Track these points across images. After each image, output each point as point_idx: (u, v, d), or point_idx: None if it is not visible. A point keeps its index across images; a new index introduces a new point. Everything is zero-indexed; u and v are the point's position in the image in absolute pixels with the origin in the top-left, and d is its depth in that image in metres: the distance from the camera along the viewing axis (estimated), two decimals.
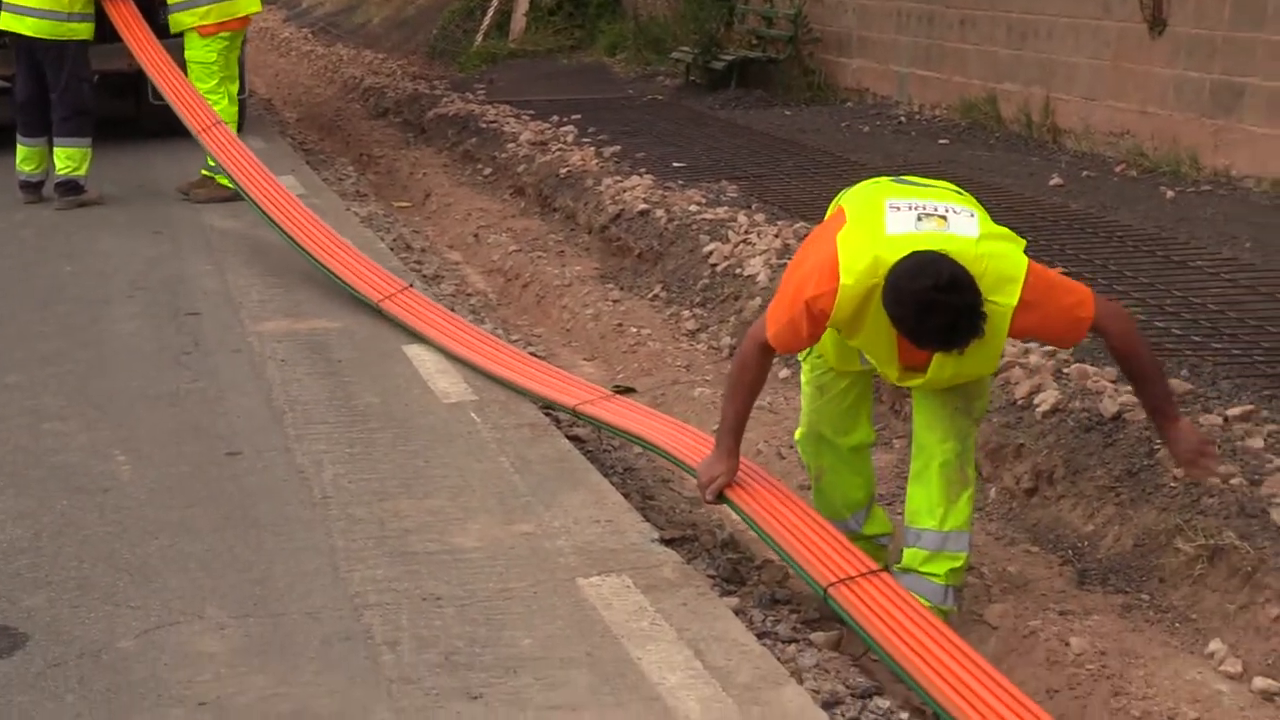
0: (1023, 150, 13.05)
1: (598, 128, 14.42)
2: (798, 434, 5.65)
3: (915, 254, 4.69)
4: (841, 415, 5.46)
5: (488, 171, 14.04)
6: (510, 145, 14.08)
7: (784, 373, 7.78)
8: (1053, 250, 9.00)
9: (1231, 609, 5.15)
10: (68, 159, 11.41)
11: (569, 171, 12.44)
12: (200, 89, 11.43)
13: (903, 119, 15.12)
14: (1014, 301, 4.73)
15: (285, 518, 5.72)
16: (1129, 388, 6.29)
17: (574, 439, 6.81)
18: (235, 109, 11.97)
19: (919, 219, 4.83)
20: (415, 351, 7.81)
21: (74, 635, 4.76)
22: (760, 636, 4.99)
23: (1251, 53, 11.09)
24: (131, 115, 14.24)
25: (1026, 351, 6.82)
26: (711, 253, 9.49)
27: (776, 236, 9.39)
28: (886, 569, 5.13)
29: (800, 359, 5.57)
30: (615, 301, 9.63)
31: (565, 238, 11.46)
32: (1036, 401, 6.44)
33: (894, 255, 4.72)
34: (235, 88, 12.08)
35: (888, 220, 4.85)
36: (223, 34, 11.63)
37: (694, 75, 17.87)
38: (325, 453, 6.40)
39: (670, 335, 8.90)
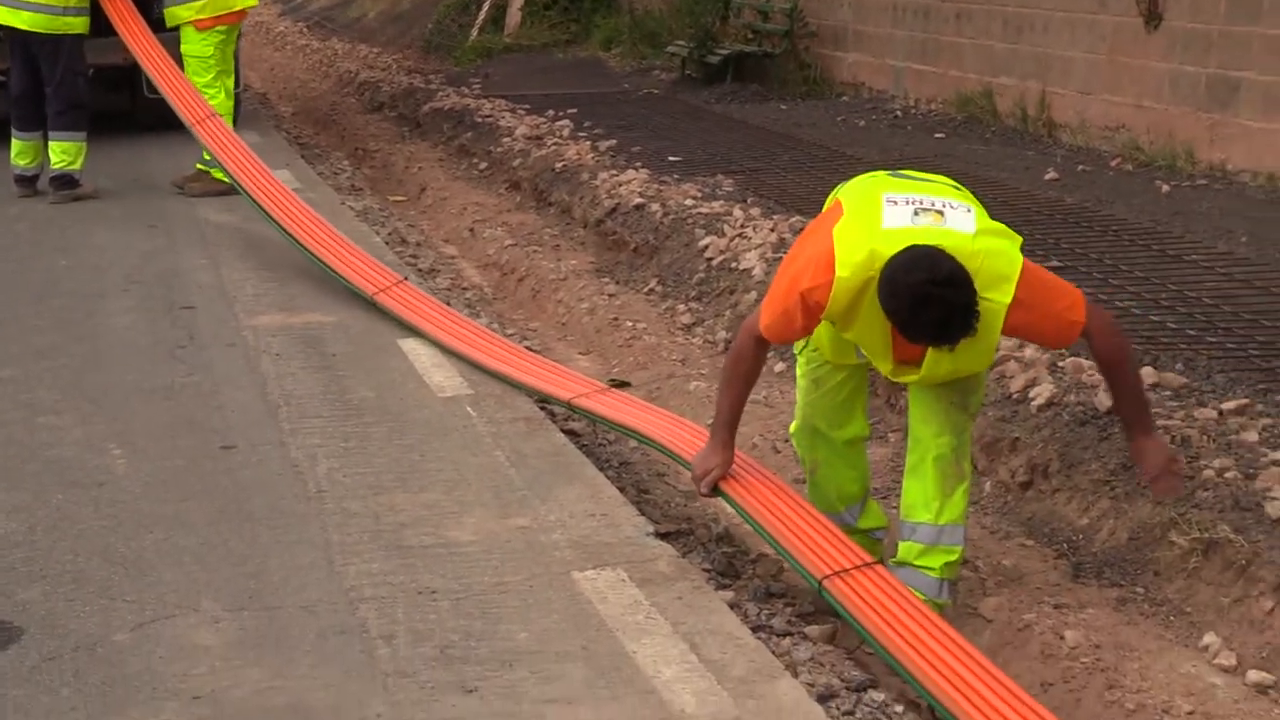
0: (1018, 144, 13.05)
1: (593, 122, 14.41)
2: (792, 427, 5.65)
3: (913, 247, 4.69)
4: (836, 409, 5.46)
5: (483, 165, 14.03)
6: (506, 139, 14.07)
7: (779, 366, 7.78)
8: (1048, 244, 9.00)
9: (1226, 602, 5.15)
10: (62, 153, 11.40)
11: (564, 166, 12.43)
12: (197, 83, 11.42)
13: (898, 113, 15.12)
14: (1008, 299, 4.73)
15: (280, 512, 5.73)
16: None
17: (569, 433, 6.81)
18: (231, 103, 11.97)
19: (916, 213, 4.83)
20: (410, 345, 7.81)
21: (69, 629, 4.76)
22: (755, 630, 5.00)
23: (1247, 47, 11.09)
24: (126, 109, 14.22)
25: (1022, 345, 6.82)
26: (707, 247, 9.49)
27: (772, 231, 9.39)
28: (881, 562, 5.14)
29: (796, 352, 5.57)
30: (611, 295, 9.63)
31: (561, 232, 11.46)
32: (1032, 395, 6.44)
33: (890, 249, 4.72)
34: (231, 82, 12.08)
35: (884, 214, 4.86)
36: (219, 28, 11.62)
37: (689, 69, 17.86)
38: (320, 447, 6.40)
39: (666, 329, 8.90)
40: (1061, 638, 5.14)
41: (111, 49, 12.08)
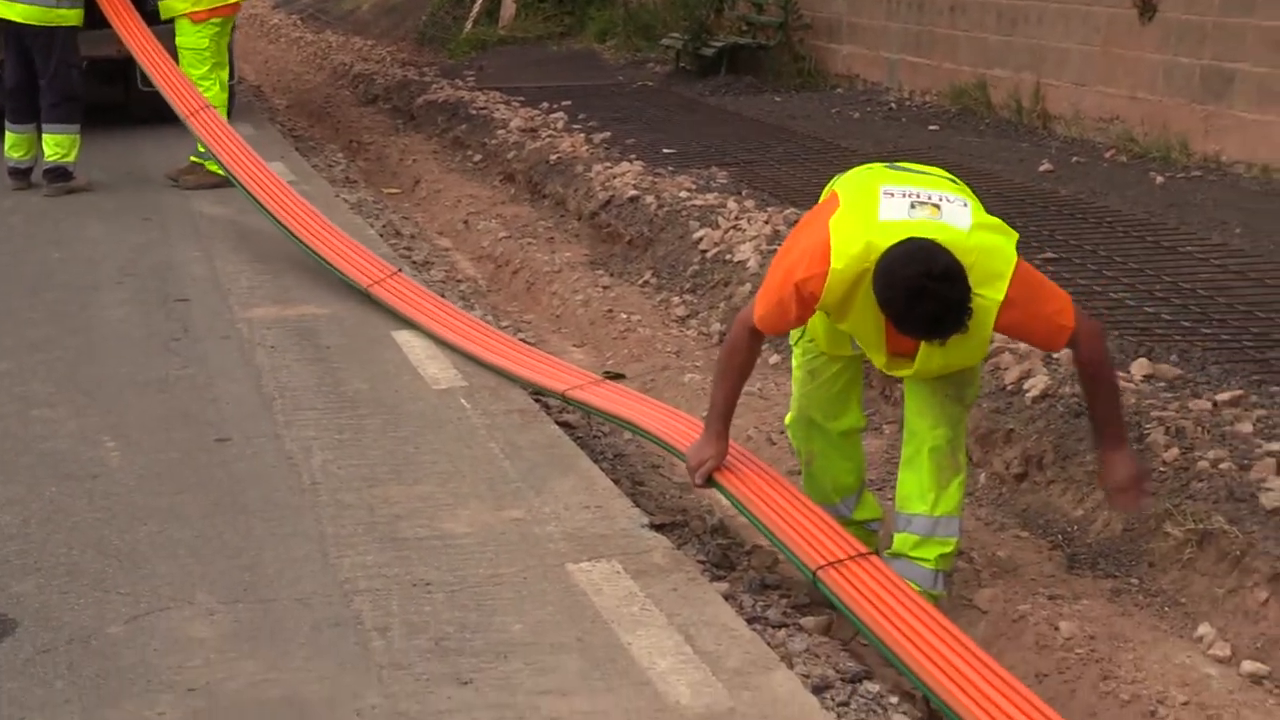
0: (1013, 136, 13.06)
1: (588, 114, 14.41)
2: (788, 418, 5.65)
3: (911, 239, 4.69)
4: (832, 400, 5.46)
5: (477, 158, 14.02)
6: (500, 132, 14.06)
7: (774, 359, 7.78)
8: (1042, 236, 9.00)
9: (1220, 593, 5.16)
10: (56, 145, 11.39)
11: (559, 158, 12.43)
12: (192, 75, 11.41)
13: (893, 105, 15.12)
14: (1000, 296, 4.74)
15: (274, 504, 5.72)
16: (1119, 372, 6.31)
17: (564, 425, 6.81)
18: (226, 95, 11.96)
19: (912, 206, 4.83)
20: (405, 338, 7.80)
21: (63, 621, 4.75)
22: (750, 621, 4.99)
23: (1241, 38, 11.09)
24: (120, 102, 14.19)
25: None
26: (701, 239, 9.48)
27: (766, 223, 9.39)
28: (876, 553, 5.14)
29: (792, 344, 5.57)
30: (605, 288, 9.62)
31: (555, 224, 11.45)
32: (1026, 387, 6.45)
33: (886, 242, 4.72)
34: (226, 74, 12.06)
35: (881, 206, 4.86)
36: (214, 20, 11.61)
37: (684, 62, 17.86)
38: (314, 439, 6.39)
39: (660, 321, 8.90)
40: (1056, 629, 5.14)
41: (105, 41, 12.06)
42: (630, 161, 11.77)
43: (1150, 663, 4.92)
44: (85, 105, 11.65)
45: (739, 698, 4.34)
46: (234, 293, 8.70)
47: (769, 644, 4.81)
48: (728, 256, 9.06)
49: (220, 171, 10.66)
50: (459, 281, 10.09)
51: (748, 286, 8.36)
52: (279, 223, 9.31)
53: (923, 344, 4.86)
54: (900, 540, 5.23)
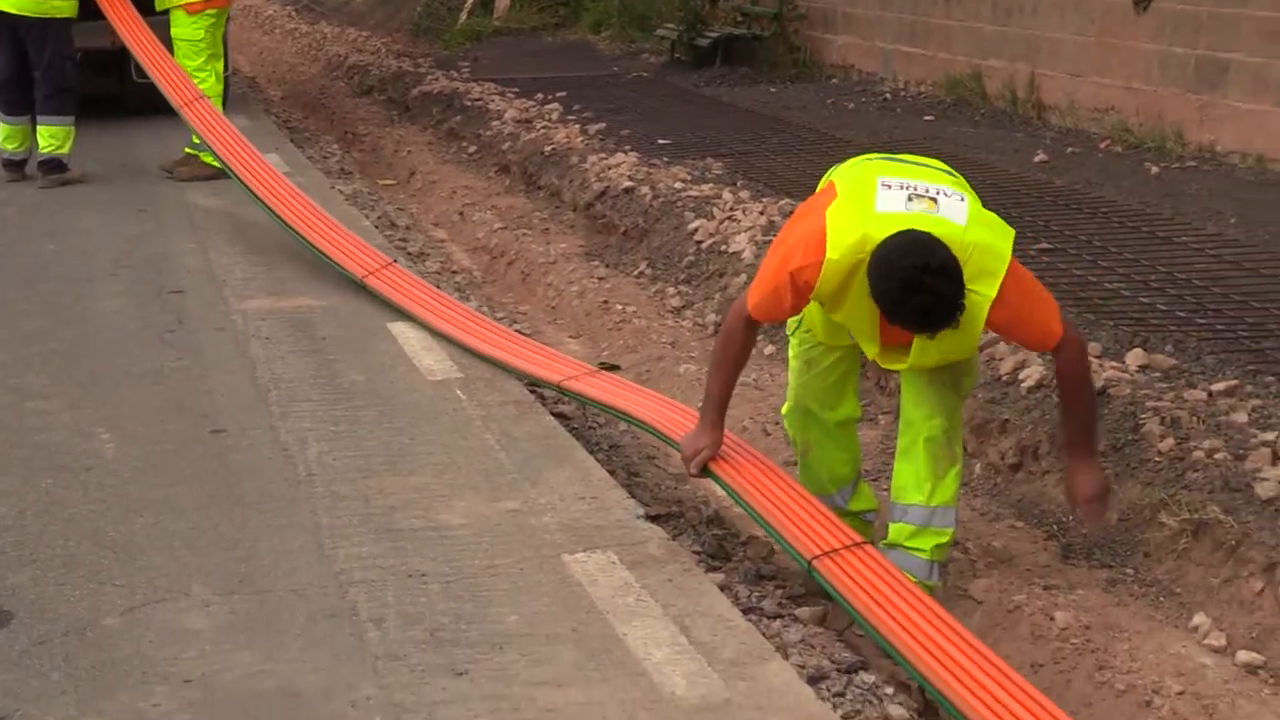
0: (1008, 126, 13.05)
1: (582, 105, 14.40)
2: (785, 408, 5.65)
3: (910, 232, 4.69)
4: (828, 390, 5.47)
5: (472, 149, 14.01)
6: (495, 123, 14.05)
7: (769, 349, 7.78)
8: (1037, 226, 9.00)
9: (1215, 583, 5.16)
10: (51, 137, 11.37)
11: (554, 149, 12.42)
12: (187, 67, 11.40)
13: (888, 95, 15.11)
14: (993, 294, 4.75)
15: (270, 495, 5.72)
16: (1114, 363, 6.34)
17: (559, 416, 6.81)
18: (221, 87, 11.95)
19: (909, 199, 4.84)
20: (400, 329, 7.80)
21: (59, 613, 4.75)
22: (746, 612, 4.99)
23: (1236, 28, 11.09)
24: (115, 93, 14.16)
25: None
26: (696, 230, 9.48)
27: (761, 213, 9.39)
28: (872, 543, 5.14)
29: (789, 334, 5.57)
30: (600, 279, 9.62)
31: (550, 215, 11.45)
32: (1021, 377, 6.44)
33: (882, 233, 4.73)
34: (221, 65, 12.05)
35: (878, 198, 4.86)
36: (209, 10, 11.59)
37: (679, 52, 17.84)
38: (310, 430, 6.39)
39: (655, 312, 8.90)
40: (1051, 619, 5.15)
41: (99, 33, 12.03)
42: (625, 152, 11.77)
43: (1145, 653, 4.92)
44: (80, 97, 11.62)
45: (734, 688, 4.34)
46: (229, 284, 8.70)
47: (764, 634, 4.82)
48: (723, 247, 9.06)
49: (215, 163, 10.65)
50: (454, 273, 10.09)
51: (743, 277, 8.36)
52: (274, 214, 9.30)
53: (916, 338, 4.86)
54: (896, 530, 5.24)
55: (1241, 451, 5.53)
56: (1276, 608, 4.94)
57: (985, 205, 5.12)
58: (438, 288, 8.52)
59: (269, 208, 9.36)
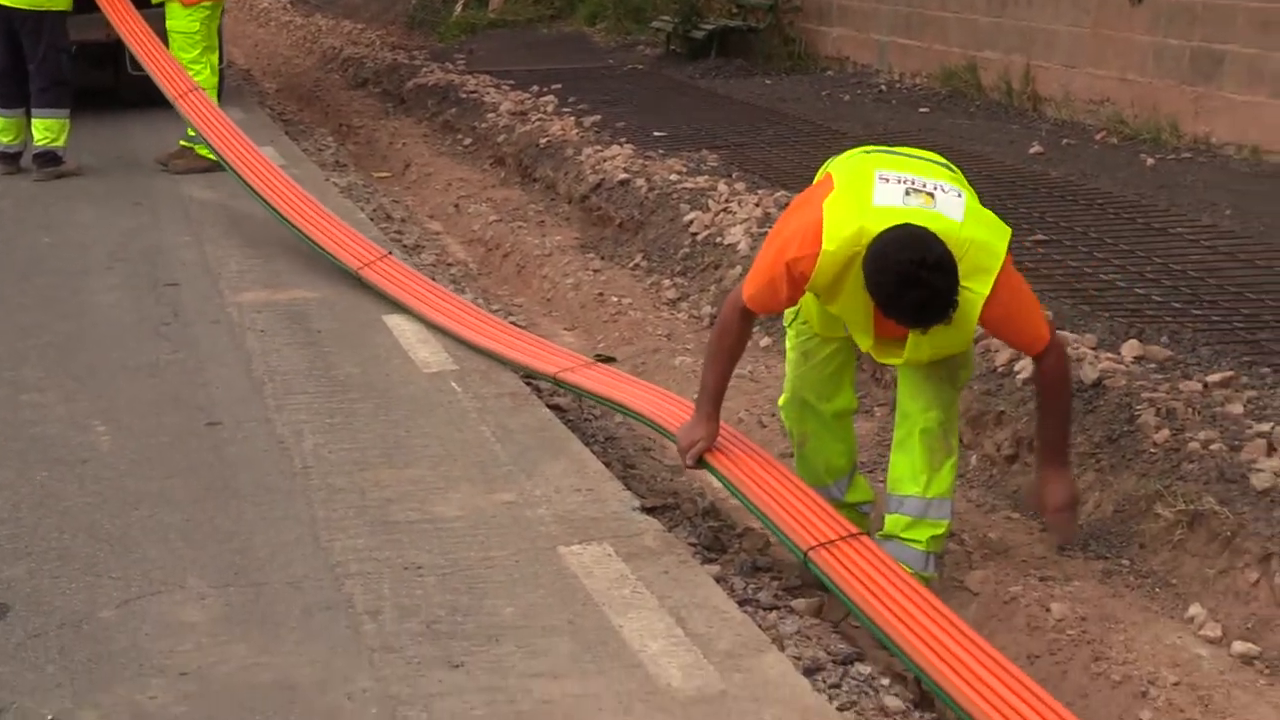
0: (1003, 118, 13.05)
1: (578, 97, 14.39)
2: (781, 400, 5.66)
3: (908, 226, 4.70)
4: (825, 381, 5.47)
5: (468, 141, 14.00)
6: (490, 115, 14.04)
7: (764, 341, 7.78)
8: (1033, 218, 9.01)
9: (1211, 574, 5.16)
10: (46, 130, 11.36)
11: (549, 141, 12.41)
12: (182, 59, 11.39)
13: (883, 87, 15.11)
14: (986, 291, 4.77)
15: (265, 488, 5.72)
16: (1110, 354, 6.34)
17: (555, 408, 6.81)
18: (216, 79, 11.94)
19: (907, 193, 4.84)
20: (395, 321, 7.80)
21: (55, 606, 4.75)
22: (741, 604, 5.00)
23: (1231, 20, 11.09)
24: (110, 86, 14.14)
25: None
26: (692, 222, 9.48)
27: (757, 205, 9.39)
28: (868, 534, 5.14)
29: (786, 325, 5.57)
30: (596, 271, 9.62)
31: (546, 207, 11.44)
32: (1017, 369, 6.44)
33: (879, 226, 4.74)
34: (216, 58, 12.04)
35: (876, 191, 4.86)
36: (204, 3, 11.59)
37: (674, 44, 17.84)
38: (305, 423, 6.39)
39: (651, 304, 8.90)
40: (1047, 610, 5.15)
41: (94, 25, 12.03)
42: (621, 145, 11.76)
43: (1141, 644, 4.92)
44: (75, 90, 11.61)
45: (730, 680, 4.34)
46: (224, 277, 8.69)
47: (760, 626, 4.82)
48: (718, 239, 9.06)
49: (211, 156, 10.64)
50: (450, 265, 10.08)
51: (738, 269, 8.36)
52: (269, 206, 9.29)
53: (910, 334, 4.87)
54: (892, 522, 5.24)
55: (1237, 443, 5.53)
56: (1272, 598, 4.95)
57: (981, 197, 5.12)
58: (433, 280, 8.51)
59: (264, 200, 9.35)
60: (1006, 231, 4.94)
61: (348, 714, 4.16)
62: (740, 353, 5.42)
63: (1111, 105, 12.21)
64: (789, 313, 5.44)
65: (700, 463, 5.51)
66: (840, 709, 4.45)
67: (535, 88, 14.96)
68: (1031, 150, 11.37)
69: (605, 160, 11.27)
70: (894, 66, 15.52)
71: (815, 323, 5.33)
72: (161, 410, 6.55)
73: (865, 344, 5.08)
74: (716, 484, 5.80)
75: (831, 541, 4.96)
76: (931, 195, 4.84)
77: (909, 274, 4.59)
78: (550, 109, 13.81)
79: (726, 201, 9.63)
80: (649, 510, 5.58)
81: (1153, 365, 6.33)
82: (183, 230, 9.89)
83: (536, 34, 20.55)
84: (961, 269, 4.67)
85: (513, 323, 8.11)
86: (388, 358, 7.27)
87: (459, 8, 22.27)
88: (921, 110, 13.69)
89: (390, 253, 8.68)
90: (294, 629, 4.63)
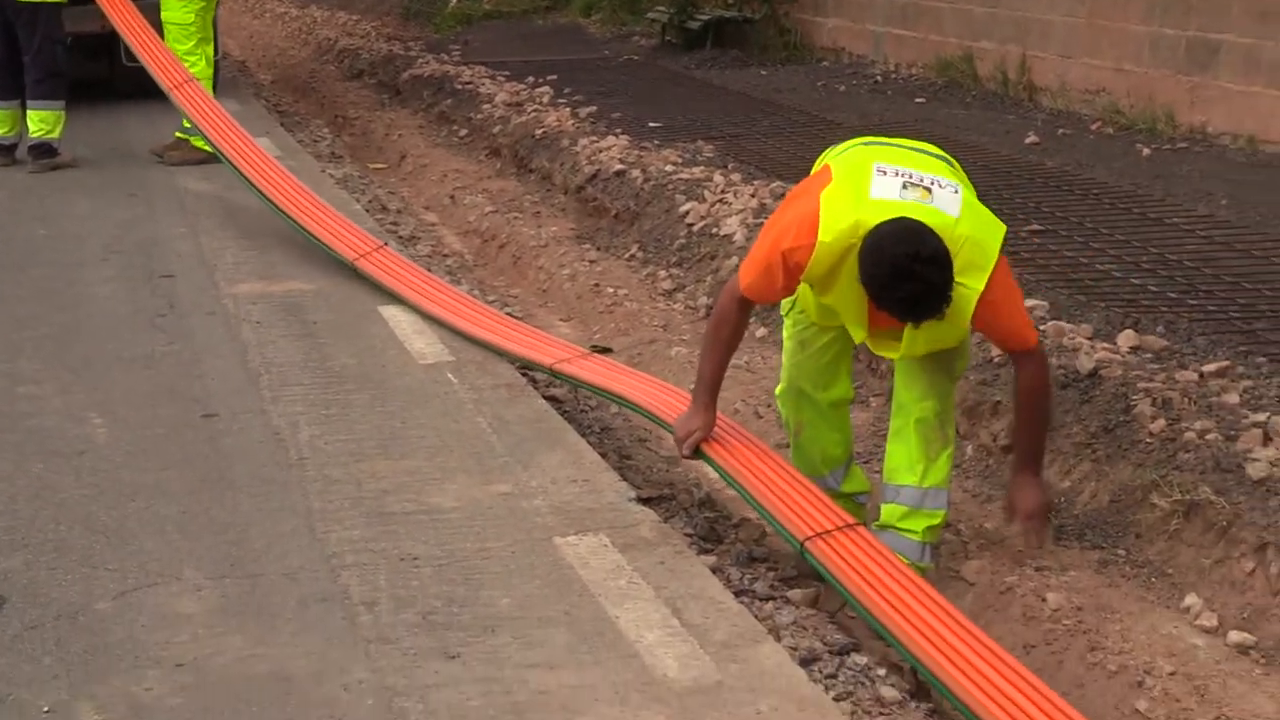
0: (999, 108, 13.05)
1: (573, 88, 14.38)
2: (778, 389, 5.66)
3: (904, 219, 4.71)
4: (821, 370, 5.47)
5: (463, 133, 13.99)
6: (486, 106, 14.03)
7: (760, 332, 7.78)
8: (1029, 208, 9.01)
9: (1207, 563, 5.17)
10: (41, 122, 11.34)
11: (545, 132, 12.40)
12: (177, 51, 11.37)
13: (879, 78, 15.10)
14: (980, 287, 4.78)
15: (262, 479, 5.72)
16: (1106, 344, 6.34)
17: (551, 399, 6.81)
18: (212, 71, 11.92)
19: (904, 187, 4.85)
20: (391, 312, 7.79)
21: (51, 597, 4.75)
22: (737, 594, 5.00)
23: (1227, 9, 11.09)
24: (105, 77, 14.13)
25: None
26: (688, 212, 9.47)
27: (753, 196, 9.38)
28: (864, 524, 5.14)
29: (782, 314, 5.58)
30: (592, 262, 9.62)
31: (541, 198, 11.44)
32: None
33: (875, 219, 4.74)
34: (211, 49, 12.02)
35: (873, 184, 4.87)
36: None
37: (670, 35, 17.82)
38: (301, 414, 6.38)
39: (647, 295, 8.90)
40: (1043, 600, 5.15)
41: (89, 16, 12.02)
42: (616, 135, 11.76)
43: (1137, 633, 4.93)
44: (70, 81, 11.61)
45: (726, 670, 4.35)
46: (220, 268, 8.69)
47: (756, 616, 4.83)
48: (714, 230, 9.06)
49: (206, 147, 10.63)
50: (445, 256, 10.08)
51: (734, 259, 8.35)
52: (265, 198, 9.28)
53: (906, 328, 4.88)
54: (888, 512, 5.24)
55: (1233, 432, 5.53)
56: (1268, 588, 4.95)
57: (977, 187, 5.13)
58: (429, 271, 8.51)
59: (260, 192, 9.34)
60: (1001, 229, 4.95)
61: (344, 705, 4.16)
62: (737, 343, 5.43)
63: (1107, 95, 12.21)
64: (785, 301, 5.44)
65: (697, 453, 5.51)
66: (836, 699, 4.45)
67: (531, 79, 14.94)
68: (1027, 140, 11.37)
69: (601, 151, 11.27)
70: (889, 57, 15.50)
71: (812, 312, 5.33)
72: (157, 402, 6.55)
73: (859, 336, 5.09)
74: (713, 474, 5.80)
75: (828, 532, 4.96)
76: (929, 190, 4.85)
77: (903, 267, 4.59)
78: (546, 100, 13.80)
79: (722, 192, 9.63)
80: (645, 501, 5.59)
81: (1149, 355, 6.33)
82: (178, 222, 9.88)
83: (532, 25, 20.54)
84: (956, 265, 4.68)
85: (508, 314, 8.11)
86: (384, 349, 7.27)
87: None
88: (917, 101, 13.68)
89: (386, 244, 8.67)
90: (290, 620, 4.63)
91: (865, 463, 6.17)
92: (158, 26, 11.56)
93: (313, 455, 5.94)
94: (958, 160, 5.27)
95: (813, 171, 5.32)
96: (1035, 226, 8.54)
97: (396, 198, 11.96)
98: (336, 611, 4.68)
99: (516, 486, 5.63)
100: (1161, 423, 5.66)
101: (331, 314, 7.82)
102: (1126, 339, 6.45)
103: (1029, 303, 6.89)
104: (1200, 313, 7.00)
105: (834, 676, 4.64)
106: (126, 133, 13.00)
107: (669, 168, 10.46)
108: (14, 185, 11.03)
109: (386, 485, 5.65)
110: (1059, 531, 5.65)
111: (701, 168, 10.44)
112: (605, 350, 7.78)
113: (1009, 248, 5.13)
